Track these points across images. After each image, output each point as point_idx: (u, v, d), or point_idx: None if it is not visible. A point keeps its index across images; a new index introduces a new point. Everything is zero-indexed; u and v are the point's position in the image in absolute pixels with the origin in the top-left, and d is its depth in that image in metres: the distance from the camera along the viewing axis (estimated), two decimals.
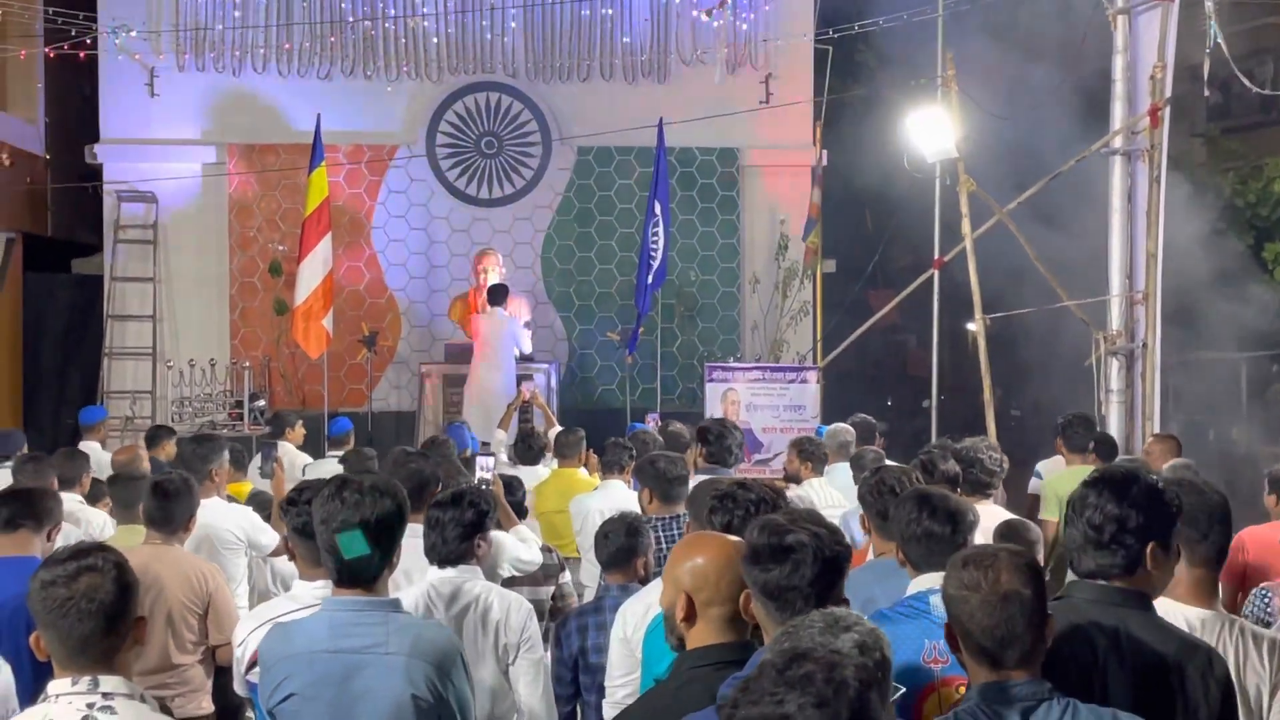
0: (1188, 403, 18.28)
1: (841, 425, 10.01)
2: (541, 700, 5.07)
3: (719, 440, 7.14)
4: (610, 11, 16.58)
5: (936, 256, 13.73)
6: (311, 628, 3.91)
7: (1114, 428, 11.44)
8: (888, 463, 6.51)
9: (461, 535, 5.09)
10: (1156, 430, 11.03)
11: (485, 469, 7.65)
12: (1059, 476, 8.81)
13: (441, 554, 5.09)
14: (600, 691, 5.36)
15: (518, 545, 6.57)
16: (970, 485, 6.61)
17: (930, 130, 12.92)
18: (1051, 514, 8.33)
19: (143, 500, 6.07)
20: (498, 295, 14.11)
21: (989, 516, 6.20)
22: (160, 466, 9.85)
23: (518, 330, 14.11)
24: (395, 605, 3.94)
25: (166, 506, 5.93)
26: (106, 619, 3.22)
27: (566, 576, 7.07)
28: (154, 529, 5.94)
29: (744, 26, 16.57)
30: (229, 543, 7.05)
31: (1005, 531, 5.87)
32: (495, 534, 6.59)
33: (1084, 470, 8.58)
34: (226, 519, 7.14)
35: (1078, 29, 13.18)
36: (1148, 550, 3.55)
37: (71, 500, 7.32)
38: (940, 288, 13.97)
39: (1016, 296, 13.11)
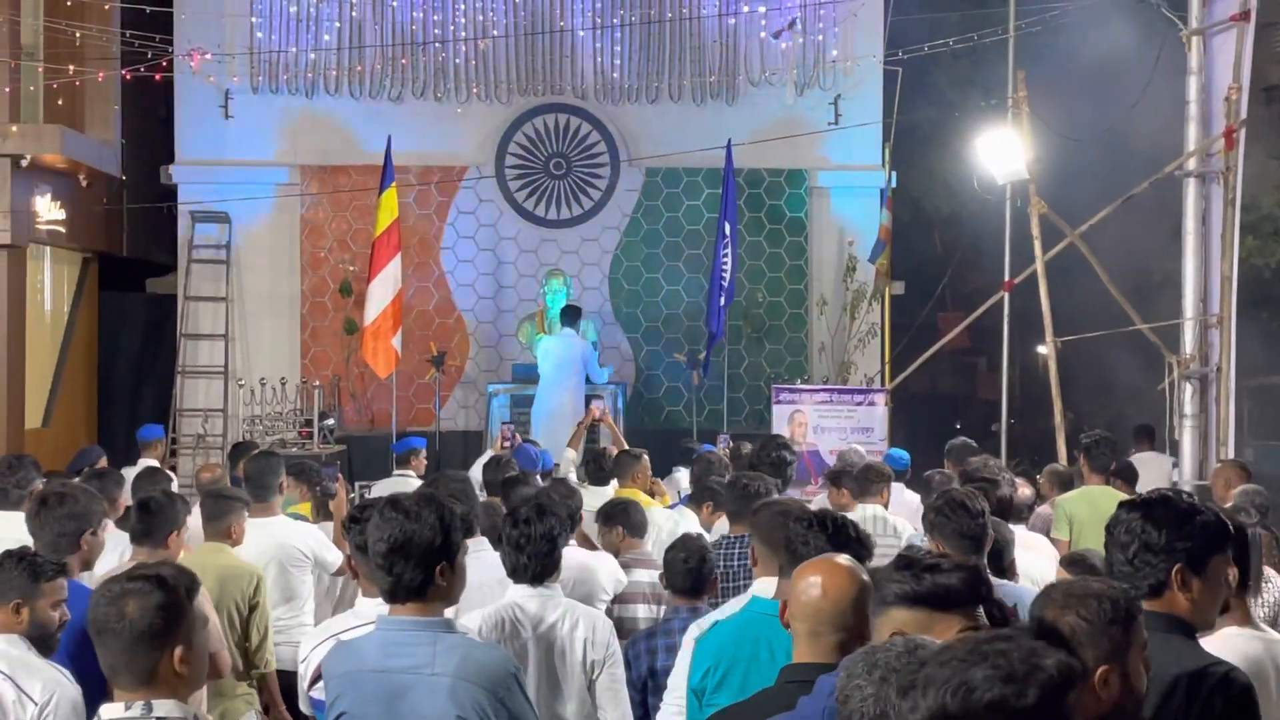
0: (1263, 428, 18.02)
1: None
2: (626, 716, 5.10)
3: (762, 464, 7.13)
4: (679, 33, 16.60)
5: (1007, 279, 13.63)
6: (364, 646, 3.91)
7: (1187, 452, 11.29)
8: (955, 485, 6.46)
9: (550, 550, 5.10)
10: (1230, 455, 10.86)
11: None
12: (1071, 496, 8.71)
13: (534, 571, 5.08)
14: None
15: (615, 567, 6.57)
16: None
17: (1001, 151, 12.85)
18: (1062, 533, 8.28)
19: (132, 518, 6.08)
20: (569, 316, 14.13)
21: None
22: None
23: (589, 354, 14.08)
24: (447, 625, 3.91)
25: (148, 521, 5.91)
26: (141, 642, 3.22)
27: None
28: (137, 544, 5.93)
29: (813, 48, 16.54)
30: (296, 560, 7.06)
31: (1074, 559, 5.79)
32: (592, 555, 6.61)
33: (1099, 491, 8.54)
34: (295, 537, 7.15)
35: (1151, 50, 13.06)
36: (1173, 573, 3.52)
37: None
38: (1011, 310, 13.86)
39: (1088, 319, 12.98)
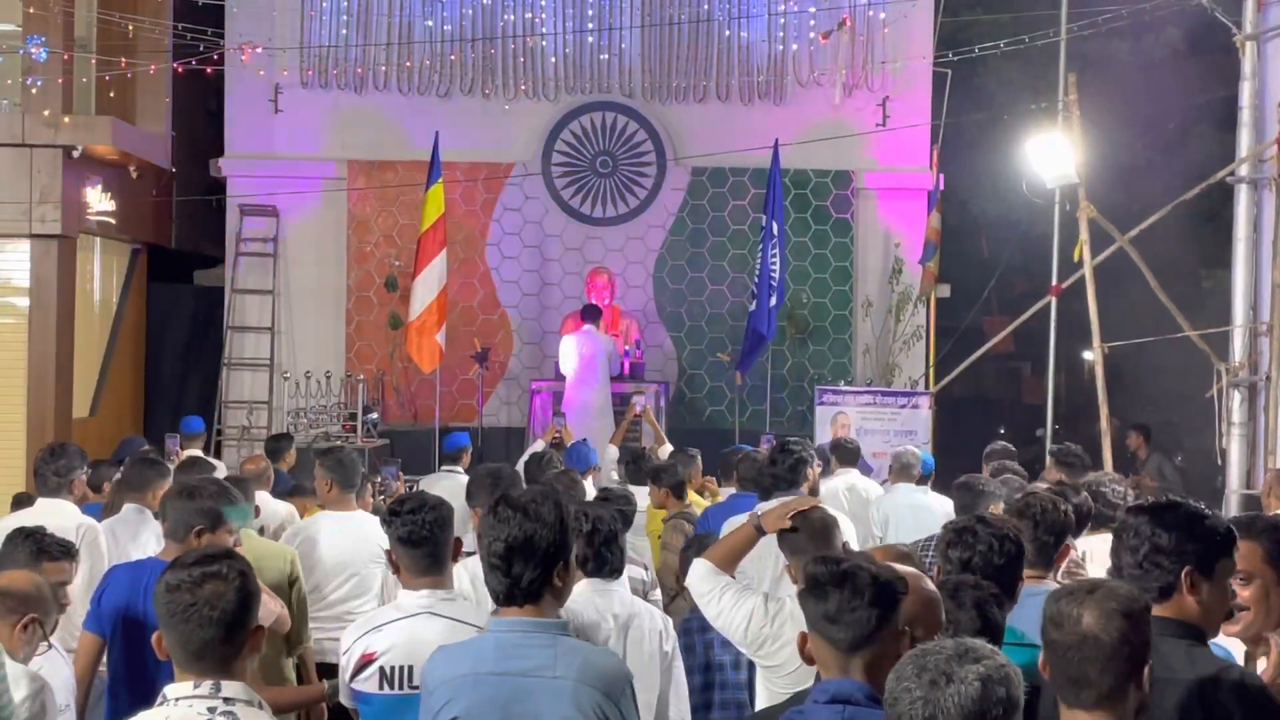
0: None
1: (908, 448, 9.94)
2: (686, 704, 5.11)
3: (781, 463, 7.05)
4: (727, 33, 16.58)
5: (1054, 283, 13.54)
6: (478, 648, 3.82)
7: (1234, 461, 11.18)
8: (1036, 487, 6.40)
9: (614, 542, 5.09)
10: (1278, 464, 10.75)
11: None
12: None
13: (614, 564, 5.08)
14: (724, 708, 5.39)
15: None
16: (1094, 520, 6.48)
17: (1050, 155, 12.76)
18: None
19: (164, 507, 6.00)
20: (592, 314, 14.13)
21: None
22: (283, 478, 9.92)
23: (611, 349, 14.09)
24: (562, 627, 3.85)
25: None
26: (226, 627, 3.23)
27: (656, 595, 7.04)
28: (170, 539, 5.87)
29: (861, 49, 16.48)
30: (377, 555, 7.01)
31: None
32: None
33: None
34: (376, 532, 7.08)
35: (1204, 55, 12.94)
36: (1183, 575, 3.55)
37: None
38: (1058, 315, 13.77)
39: (1136, 325, 12.88)
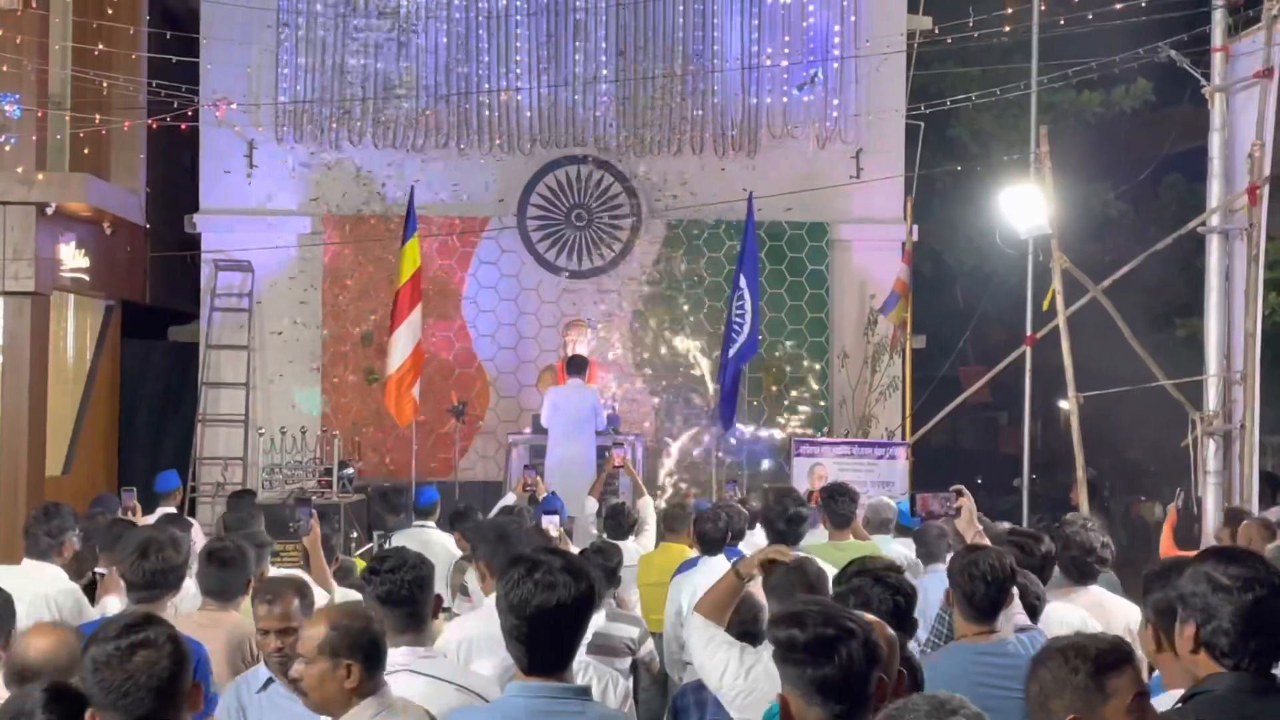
0: None
1: (884, 500, 9.90)
2: None
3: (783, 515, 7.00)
4: (701, 86, 16.66)
5: (1029, 333, 13.59)
6: (508, 714, 3.75)
7: (1211, 510, 11.20)
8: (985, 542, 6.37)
9: None
10: (1254, 513, 10.78)
11: (552, 526, 7.58)
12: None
13: None
14: None
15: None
16: (1080, 570, 6.42)
17: (1023, 206, 12.85)
18: None
19: (199, 569, 5.90)
20: (577, 366, 14.06)
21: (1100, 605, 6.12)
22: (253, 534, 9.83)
23: (597, 402, 14.02)
24: (586, 692, 3.83)
25: (223, 575, 5.77)
26: (166, 695, 3.18)
27: (649, 646, 6.98)
28: (210, 598, 5.79)
29: (835, 101, 16.58)
30: None
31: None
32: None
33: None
34: None
35: (1174, 106, 13.07)
36: None
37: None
38: (1033, 365, 13.82)
39: (1112, 374, 12.94)
